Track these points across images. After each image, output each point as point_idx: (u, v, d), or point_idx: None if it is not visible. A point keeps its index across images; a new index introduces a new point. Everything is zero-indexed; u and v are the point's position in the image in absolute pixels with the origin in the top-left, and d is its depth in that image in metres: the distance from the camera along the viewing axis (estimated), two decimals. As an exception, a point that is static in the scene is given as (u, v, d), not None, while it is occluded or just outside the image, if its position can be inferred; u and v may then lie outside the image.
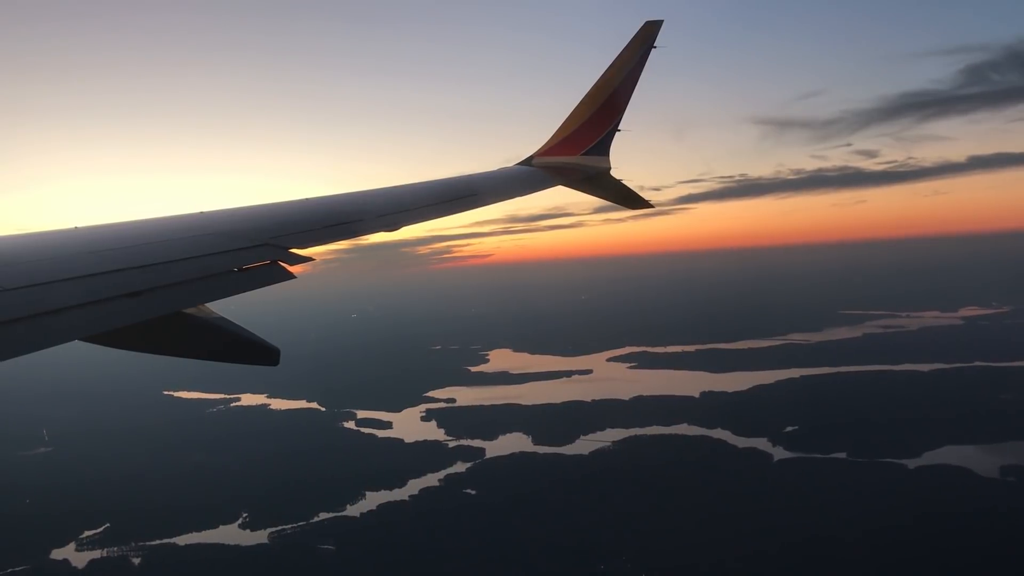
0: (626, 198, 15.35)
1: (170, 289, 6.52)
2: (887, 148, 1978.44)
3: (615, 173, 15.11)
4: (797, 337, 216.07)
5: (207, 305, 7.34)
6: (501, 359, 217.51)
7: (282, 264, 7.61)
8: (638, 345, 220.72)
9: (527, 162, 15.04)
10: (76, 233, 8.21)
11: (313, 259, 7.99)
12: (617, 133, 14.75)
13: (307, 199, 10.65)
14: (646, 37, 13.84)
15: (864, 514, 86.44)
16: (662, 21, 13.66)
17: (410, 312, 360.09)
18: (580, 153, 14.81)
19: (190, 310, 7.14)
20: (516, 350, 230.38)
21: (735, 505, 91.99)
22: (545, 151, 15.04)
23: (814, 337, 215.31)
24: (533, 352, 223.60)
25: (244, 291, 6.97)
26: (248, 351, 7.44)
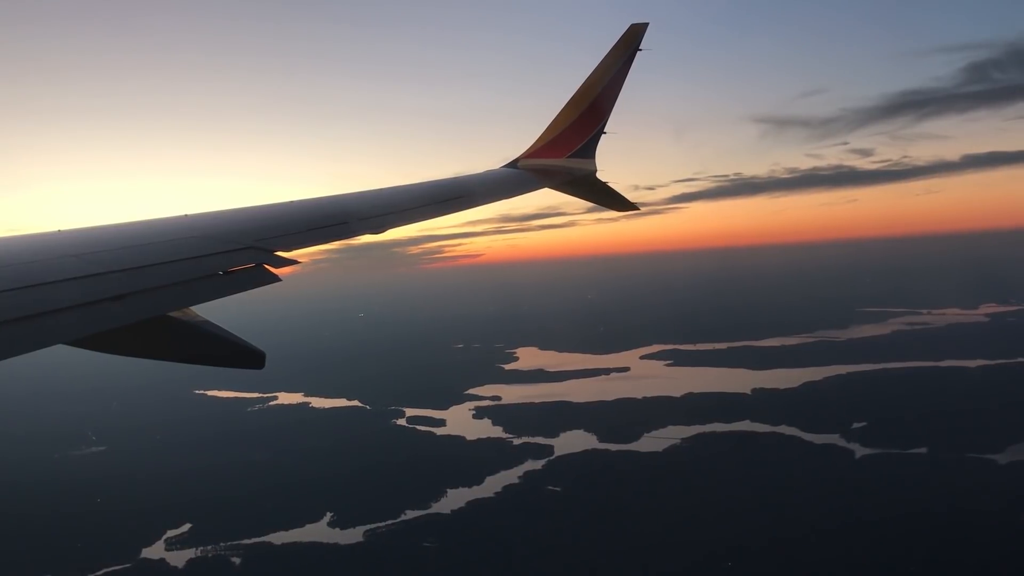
0: (612, 200, 15.16)
1: (155, 292, 6.46)
2: (882, 147, 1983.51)
3: (606, 173, 14.93)
4: (826, 334, 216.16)
5: (192, 308, 7.29)
6: (531, 357, 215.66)
7: (267, 267, 7.56)
8: (666, 343, 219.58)
9: (513, 164, 14.87)
10: (60, 236, 8.13)
11: (299, 262, 7.90)
12: (604, 135, 14.61)
13: (292, 201, 10.60)
14: (631, 40, 13.67)
15: (981, 509, 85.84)
16: (647, 24, 13.58)
17: (417, 311, 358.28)
18: (566, 155, 14.70)
19: (175, 313, 7.06)
20: (543, 348, 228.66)
21: (843, 499, 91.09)
22: (531, 153, 14.89)
23: (843, 334, 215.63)
24: (560, 350, 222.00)
25: (230, 294, 6.91)
26: (234, 354, 7.32)
